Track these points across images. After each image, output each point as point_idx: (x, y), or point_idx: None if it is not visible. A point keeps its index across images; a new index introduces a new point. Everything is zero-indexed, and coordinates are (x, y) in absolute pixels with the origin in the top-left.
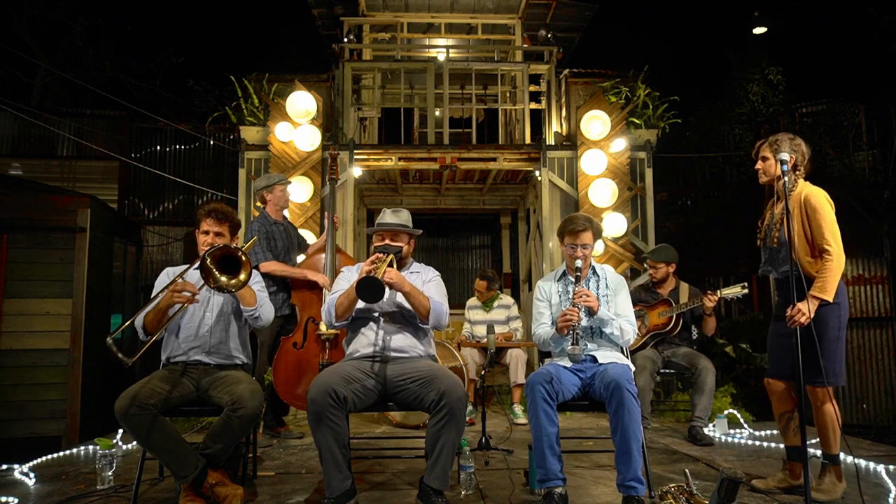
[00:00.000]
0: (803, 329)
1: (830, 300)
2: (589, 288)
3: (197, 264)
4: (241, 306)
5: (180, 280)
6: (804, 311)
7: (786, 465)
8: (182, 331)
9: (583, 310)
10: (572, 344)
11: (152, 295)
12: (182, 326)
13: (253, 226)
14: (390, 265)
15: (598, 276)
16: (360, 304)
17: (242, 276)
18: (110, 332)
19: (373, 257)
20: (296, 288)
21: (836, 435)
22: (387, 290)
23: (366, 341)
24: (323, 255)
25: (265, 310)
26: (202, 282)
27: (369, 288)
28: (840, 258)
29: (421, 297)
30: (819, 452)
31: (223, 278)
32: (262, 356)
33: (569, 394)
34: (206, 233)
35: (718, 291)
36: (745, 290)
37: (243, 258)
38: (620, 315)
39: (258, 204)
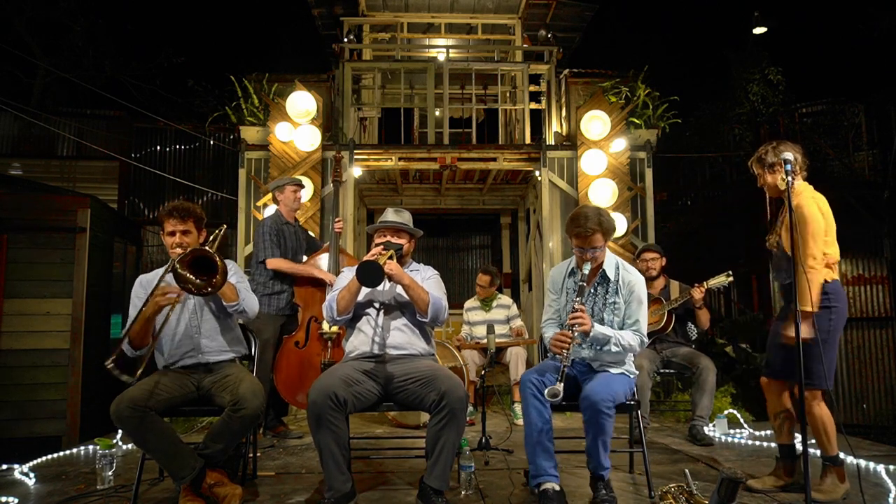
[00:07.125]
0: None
1: (810, 309)
2: (597, 294)
3: (170, 270)
4: (224, 303)
5: (163, 284)
6: (790, 333)
7: (778, 464)
8: (172, 338)
9: (578, 334)
10: (559, 380)
11: (130, 307)
12: (170, 335)
13: (266, 222)
14: (390, 259)
15: (609, 281)
16: (360, 297)
17: (218, 277)
18: (109, 335)
19: (375, 250)
20: (299, 287)
21: (830, 436)
22: (386, 282)
23: (364, 338)
24: (325, 256)
25: (248, 302)
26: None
27: (369, 271)
28: (818, 273)
29: (420, 290)
30: (818, 452)
31: (199, 281)
32: (267, 356)
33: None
34: (172, 234)
35: (705, 283)
36: (731, 279)
37: (216, 258)
38: (627, 324)
39: (271, 203)
